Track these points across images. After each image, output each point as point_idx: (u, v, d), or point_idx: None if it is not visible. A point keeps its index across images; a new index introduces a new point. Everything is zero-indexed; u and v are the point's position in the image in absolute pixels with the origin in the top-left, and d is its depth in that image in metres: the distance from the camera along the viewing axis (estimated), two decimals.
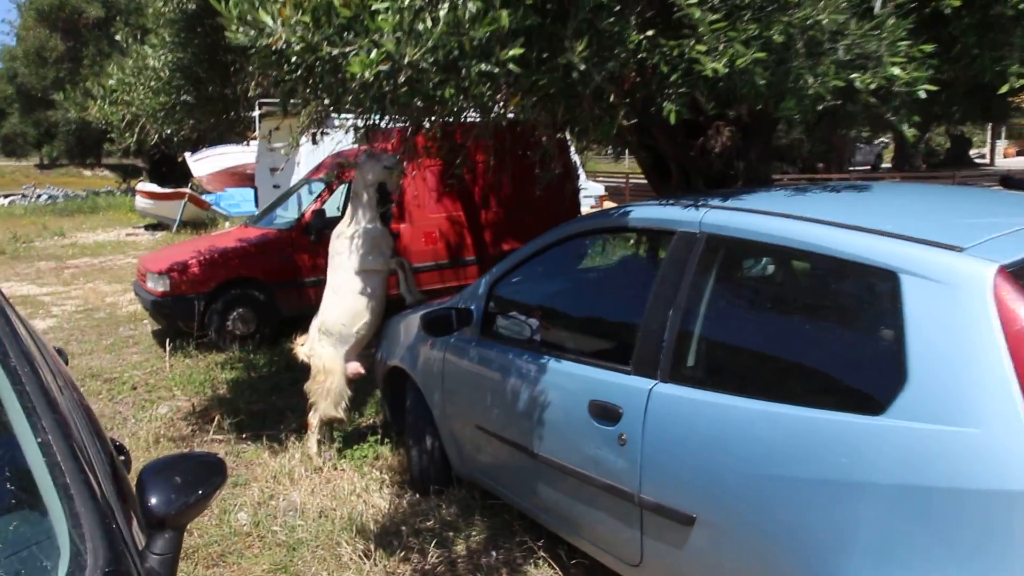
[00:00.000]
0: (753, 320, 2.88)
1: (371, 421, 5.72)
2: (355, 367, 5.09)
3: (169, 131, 6.58)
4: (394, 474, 4.78)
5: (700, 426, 2.71)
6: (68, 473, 1.73)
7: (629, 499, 2.95)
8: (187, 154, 23.67)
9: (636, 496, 2.91)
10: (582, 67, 2.70)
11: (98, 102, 6.66)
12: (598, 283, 3.40)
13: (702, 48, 2.82)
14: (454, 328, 3.88)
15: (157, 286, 7.75)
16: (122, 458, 2.84)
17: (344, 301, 4.97)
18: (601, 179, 18.57)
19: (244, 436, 5.54)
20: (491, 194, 9.19)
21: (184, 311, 7.65)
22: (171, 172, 30.02)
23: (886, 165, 35.90)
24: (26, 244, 17.31)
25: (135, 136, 6.57)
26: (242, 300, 7.92)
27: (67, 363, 3.91)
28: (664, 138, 5.50)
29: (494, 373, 3.75)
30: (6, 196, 30.54)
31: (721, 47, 2.85)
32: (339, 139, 9.80)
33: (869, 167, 35.08)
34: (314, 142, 11.08)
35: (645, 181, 17.07)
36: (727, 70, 2.80)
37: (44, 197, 29.45)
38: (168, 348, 7.39)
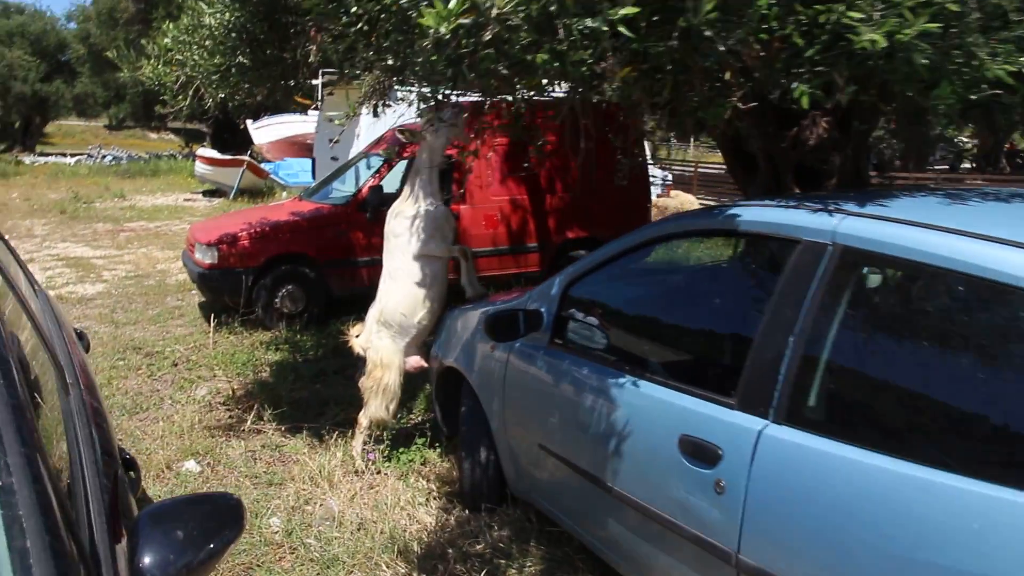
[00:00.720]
0: (903, 356, 2.34)
1: (419, 419, 5.29)
2: (416, 360, 4.66)
3: (223, 95, 6.20)
4: (442, 485, 4.34)
5: (825, 484, 2.19)
6: (30, 534, 1.30)
7: (724, 558, 2.45)
8: (248, 121, 23.63)
9: (733, 556, 2.40)
10: (707, 33, 2.18)
11: (151, 62, 6.30)
12: (695, 294, 2.89)
13: (856, 15, 2.28)
14: (521, 332, 3.40)
15: (205, 258, 7.42)
16: (131, 473, 2.44)
17: (403, 288, 4.52)
18: (666, 166, 17.86)
19: (284, 428, 5.16)
20: (557, 178, 8.69)
21: (231, 286, 7.32)
22: (232, 139, 30.12)
23: (965, 166, 34.28)
24: (86, 204, 17.34)
25: (188, 99, 6.21)
26: (292, 277, 7.55)
27: (87, 348, 3.54)
28: (754, 126, 5.04)
29: (564, 388, 3.27)
30: (73, 156, 31.00)
31: (878, 15, 2.30)
32: (401, 112, 9.42)
33: (947, 167, 33.53)
34: (375, 114, 10.65)
35: (714, 170, 16.37)
36: (886, 43, 2.25)
37: (109, 158, 29.78)
38: (213, 324, 7.07)
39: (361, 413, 4.62)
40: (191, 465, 4.61)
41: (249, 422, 5.17)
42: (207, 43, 5.65)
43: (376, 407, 4.55)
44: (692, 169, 18.20)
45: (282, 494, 4.28)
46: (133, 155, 30.91)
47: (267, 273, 7.45)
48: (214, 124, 33.90)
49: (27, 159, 29.33)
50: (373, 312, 4.63)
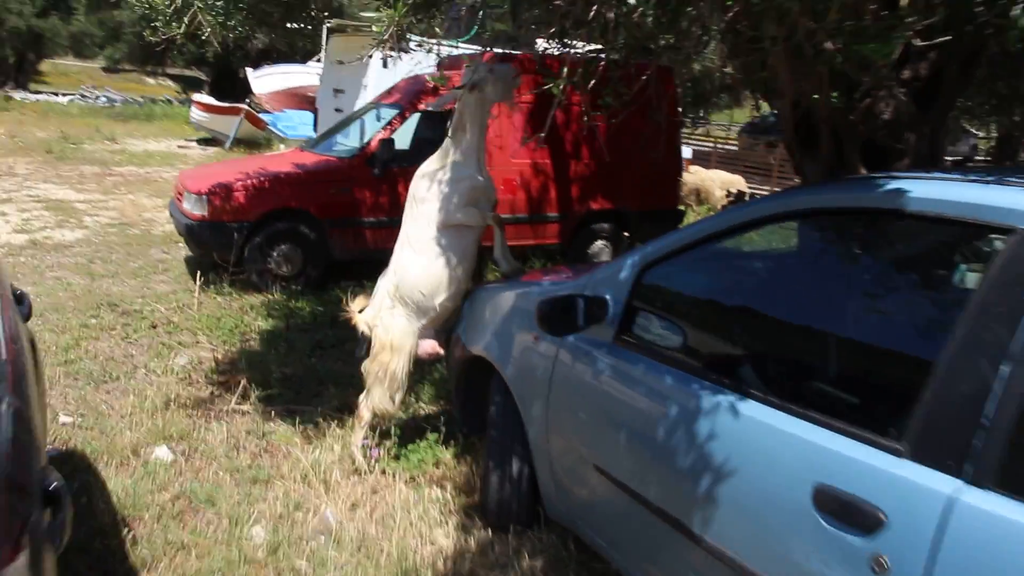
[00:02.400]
0: None
1: (430, 409, 4.58)
2: (431, 345, 3.92)
3: (222, 26, 5.41)
4: (459, 494, 3.65)
5: None
6: None
7: None
8: (248, 70, 22.70)
9: None
10: None
11: None
12: (829, 291, 2.17)
13: None
14: (580, 324, 2.69)
15: (194, 209, 6.65)
16: (51, 512, 1.72)
17: (426, 261, 3.78)
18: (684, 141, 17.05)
19: (273, 410, 4.45)
20: (583, 144, 7.92)
21: (221, 241, 6.56)
22: (232, 88, 29.08)
23: (979, 157, 33.57)
24: (75, 145, 16.43)
25: (183, 27, 5.41)
26: (288, 235, 6.79)
27: (28, 315, 2.80)
28: (822, 93, 4.45)
29: (635, 398, 2.57)
30: (66, 95, 29.91)
31: None
32: (418, 60, 8.60)
33: (962, 158, 32.84)
34: (384, 65, 9.72)
35: (736, 146, 15.62)
36: None
37: (103, 99, 28.71)
38: (199, 282, 6.33)
39: (361, 402, 3.91)
40: (162, 452, 3.90)
41: (233, 402, 4.46)
42: None
43: (380, 396, 3.83)
44: (711, 146, 17.42)
45: (268, 495, 3.59)
46: (128, 98, 29.82)
47: (262, 229, 6.69)
48: (214, 71, 32.84)
49: (17, 95, 28.21)
50: (385, 284, 3.89)
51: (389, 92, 7.99)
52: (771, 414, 2.10)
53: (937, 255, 2.10)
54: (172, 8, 5.41)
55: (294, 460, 3.87)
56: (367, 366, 3.86)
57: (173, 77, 42.83)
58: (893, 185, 2.04)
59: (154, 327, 5.77)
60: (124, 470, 3.75)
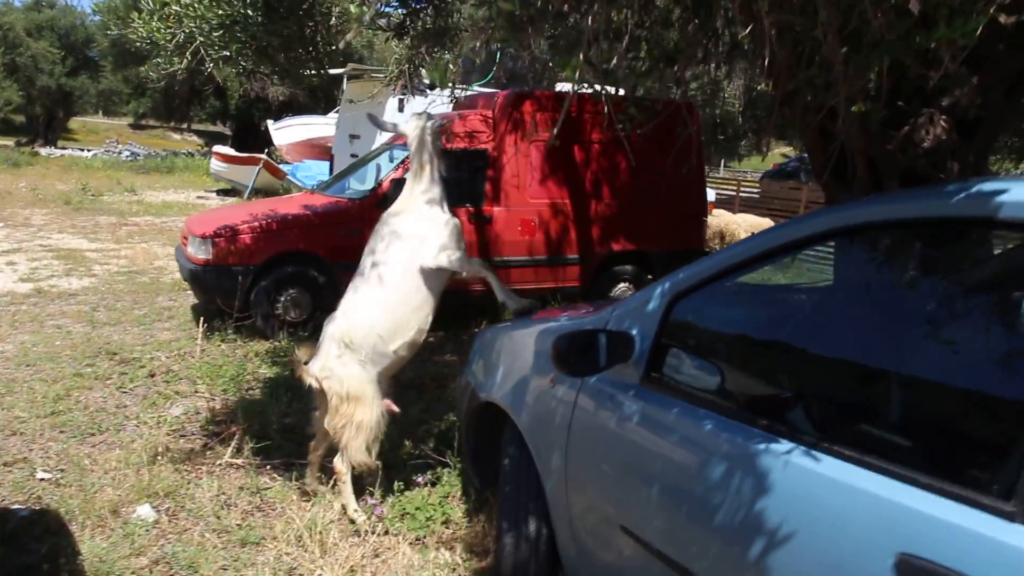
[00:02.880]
0: None
1: (439, 461, 4.21)
2: (385, 403, 3.63)
3: (226, 58, 5.20)
4: (471, 558, 3.26)
5: None
6: None
7: None
8: (269, 122, 22.85)
9: None
10: None
11: (143, 16, 5.30)
12: (910, 321, 1.80)
13: None
14: (602, 363, 2.33)
15: (198, 253, 6.40)
16: None
17: (387, 303, 3.52)
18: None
19: (270, 464, 4.10)
20: (604, 182, 7.63)
21: (226, 286, 6.28)
22: (254, 140, 29.33)
23: None
24: (93, 197, 16.43)
25: (185, 63, 5.21)
26: (297, 279, 6.51)
27: None
28: (853, 123, 4.19)
29: (668, 448, 2.19)
30: (90, 150, 30.32)
31: None
32: (430, 101, 8.42)
33: None
34: (400, 108, 9.52)
35: (757, 192, 15.33)
36: None
37: (126, 153, 29.02)
38: (202, 329, 6.03)
39: (337, 459, 3.57)
40: (144, 511, 3.55)
41: (228, 455, 4.11)
42: None
43: (355, 449, 3.51)
44: (734, 191, 17.11)
45: (258, 559, 3.22)
46: (152, 152, 30.17)
47: (269, 273, 6.41)
48: (236, 125, 33.21)
49: (44, 151, 28.62)
50: (332, 330, 3.58)
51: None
52: (839, 467, 1.73)
53: None
54: (174, 43, 5.22)
55: (289, 520, 3.50)
56: (329, 423, 3.53)
57: (198, 132, 43.52)
58: (986, 187, 1.69)
59: (152, 376, 5.46)
60: (101, 532, 3.40)
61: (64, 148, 32.15)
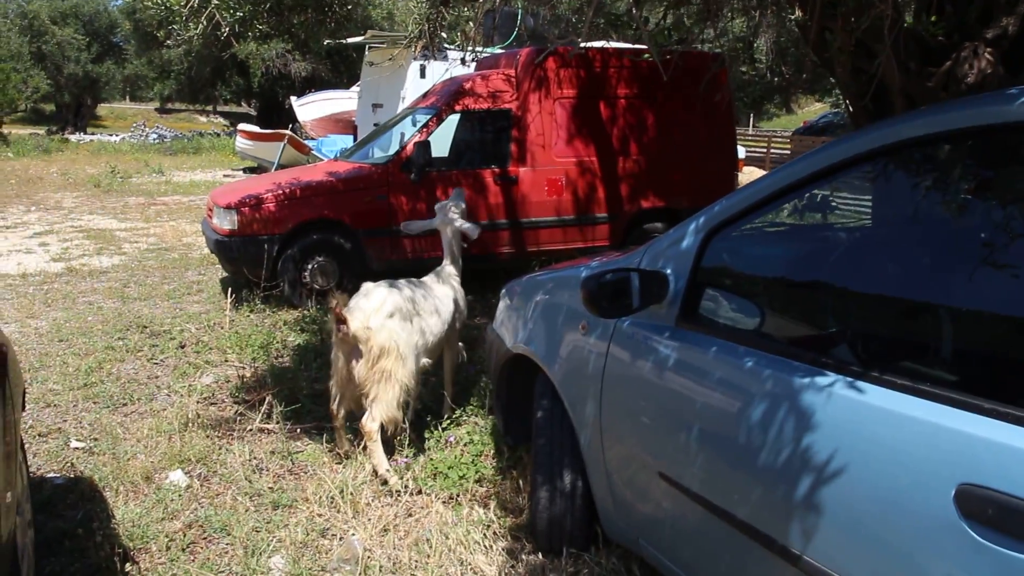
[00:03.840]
0: None
1: (473, 421, 4.14)
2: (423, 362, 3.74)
3: (241, 15, 5.11)
4: (505, 514, 3.19)
5: None
6: None
7: None
8: (293, 98, 22.77)
9: None
10: None
11: None
12: (970, 240, 1.66)
13: None
14: (635, 304, 2.23)
15: (223, 223, 6.36)
16: None
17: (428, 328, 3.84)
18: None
19: (300, 428, 4.07)
20: (632, 139, 7.45)
21: (252, 256, 6.24)
22: (279, 118, 29.30)
23: None
24: (123, 179, 16.53)
25: (201, 27, 5.13)
26: (323, 247, 6.45)
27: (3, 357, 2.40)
28: (891, 58, 4.03)
29: (708, 391, 2.09)
30: (118, 135, 30.55)
31: None
32: (452, 64, 8.25)
33: None
34: (422, 75, 9.36)
35: (788, 150, 14.93)
36: None
37: (153, 136, 29.19)
38: (230, 300, 6.01)
39: (366, 418, 3.51)
40: (177, 476, 3.53)
41: (258, 420, 4.08)
42: None
43: (387, 404, 3.47)
44: (765, 148, 16.75)
45: (291, 520, 3.18)
46: (178, 134, 30.32)
47: (295, 242, 6.36)
48: (260, 103, 33.19)
49: (73, 138, 28.86)
50: (396, 298, 3.61)
51: (425, 96, 7.64)
52: (890, 397, 1.62)
53: None
54: (188, 7, 5.15)
55: (320, 481, 3.46)
56: (363, 373, 3.47)
57: (223, 114, 43.65)
58: None
59: (182, 347, 5.46)
60: (134, 497, 3.38)
61: (93, 134, 32.42)
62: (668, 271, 2.29)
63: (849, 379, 1.71)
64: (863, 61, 4.92)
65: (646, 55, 5.72)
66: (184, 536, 3.07)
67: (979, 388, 1.50)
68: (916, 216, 1.81)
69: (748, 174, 13.16)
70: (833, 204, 2.23)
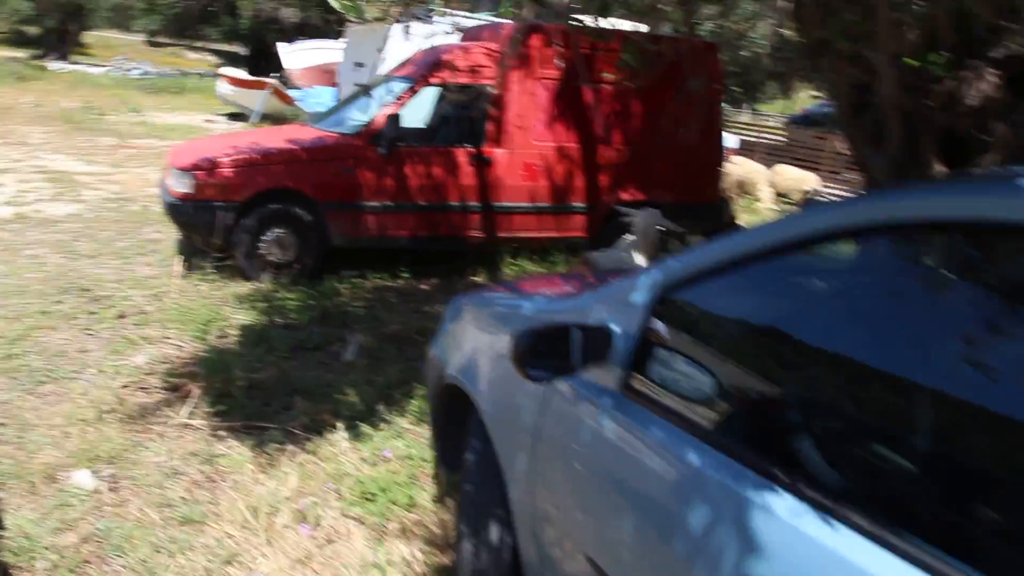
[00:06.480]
0: None
1: (415, 431, 3.89)
2: None
3: None
4: (431, 551, 2.94)
5: None
6: None
7: None
8: (280, 45, 22.12)
9: None
10: None
11: None
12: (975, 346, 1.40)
13: None
14: (575, 365, 1.96)
15: (178, 186, 6.01)
16: None
17: None
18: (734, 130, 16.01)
19: (230, 426, 3.79)
20: (616, 127, 7.14)
21: (206, 223, 5.91)
22: (268, 64, 28.55)
23: None
24: (97, 116, 16.01)
25: None
26: (282, 218, 6.12)
27: None
28: (890, 74, 3.80)
29: (645, 481, 1.82)
30: (102, 66, 29.67)
31: None
32: (433, 32, 7.85)
33: None
34: (406, 36, 8.91)
35: (783, 137, 14.64)
36: None
37: (136, 71, 28.37)
38: (180, 267, 5.69)
39: None
40: (83, 478, 3.26)
41: (185, 414, 3.80)
42: None
43: None
44: (756, 136, 16.41)
45: (197, 542, 2.92)
46: (163, 71, 29.49)
47: (252, 211, 6.03)
48: (251, 46, 32.36)
49: (53, 66, 27.97)
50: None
51: (403, 64, 7.27)
52: (862, 548, 1.33)
53: None
54: None
55: (240, 493, 3.20)
56: None
57: (214, 52, 42.55)
58: None
59: (122, 316, 5.15)
60: (32, 500, 3.11)
61: (76, 63, 31.48)
62: (614, 327, 2.02)
63: (811, 507, 1.43)
64: (861, 74, 4.63)
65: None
66: (77, 553, 2.81)
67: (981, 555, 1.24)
68: (916, 308, 1.54)
69: (738, 164, 12.82)
70: (828, 270, 1.93)
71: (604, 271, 4.05)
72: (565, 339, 1.95)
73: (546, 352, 1.95)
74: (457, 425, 3.01)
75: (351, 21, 12.52)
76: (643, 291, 1.99)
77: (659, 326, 1.93)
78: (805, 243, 1.70)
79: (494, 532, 2.53)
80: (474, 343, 2.75)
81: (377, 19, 9.02)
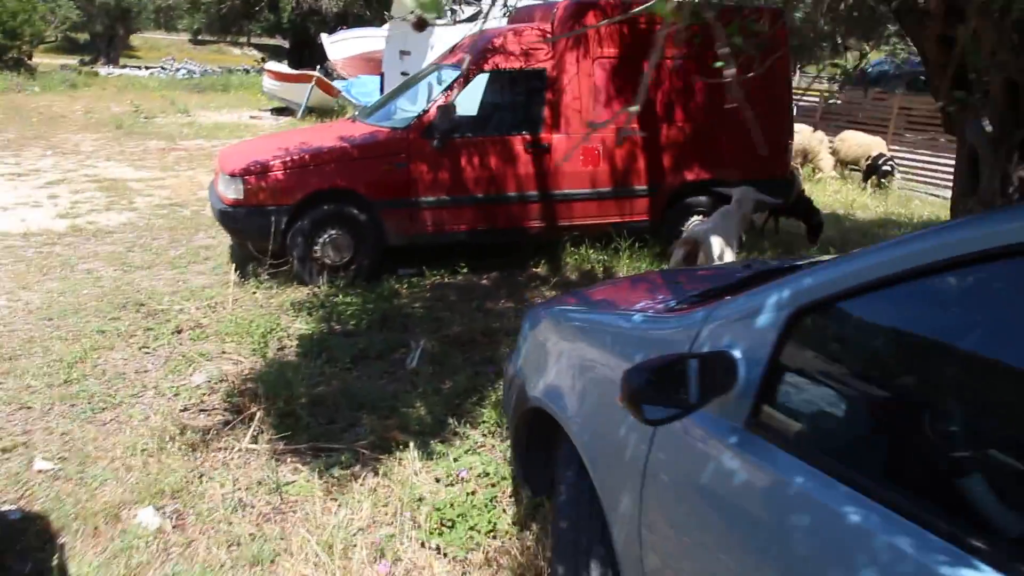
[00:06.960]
0: None
1: (490, 444, 3.65)
2: None
3: None
4: None
5: None
6: None
7: None
8: (324, 36, 22.03)
9: None
10: None
11: None
12: None
13: None
14: (693, 399, 1.68)
15: (228, 192, 5.84)
16: None
17: None
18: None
19: (296, 449, 3.59)
20: (677, 104, 6.77)
21: (259, 228, 5.72)
22: (311, 55, 28.56)
23: None
24: (147, 119, 16.07)
25: None
26: (336, 219, 5.92)
27: None
28: (990, 29, 3.47)
29: (783, 528, 1.54)
30: (148, 68, 30.01)
31: None
32: (479, 18, 7.54)
33: None
34: (452, 18, 8.56)
35: (839, 100, 13.83)
36: None
37: (182, 72, 28.63)
38: (234, 276, 5.53)
39: None
40: (147, 516, 3.08)
41: (247, 439, 3.61)
42: None
43: None
44: (818, 100, 15.74)
45: None
46: (209, 69, 29.71)
47: (305, 213, 5.83)
48: (292, 39, 32.41)
49: (104, 71, 28.36)
50: None
51: (452, 51, 6.99)
52: None
53: None
54: None
55: (311, 525, 3.00)
56: None
57: (257, 46, 42.77)
58: None
59: (179, 332, 4.99)
60: (95, 544, 2.94)
61: (124, 66, 31.90)
62: (737, 353, 1.72)
63: (992, 569, 1.14)
64: (951, 28, 4.21)
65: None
66: None
67: None
68: None
69: (798, 132, 12.25)
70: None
71: (710, 253, 4.01)
72: (682, 375, 1.67)
73: (660, 393, 1.67)
74: (541, 447, 2.76)
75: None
76: (771, 311, 1.69)
77: (796, 351, 1.64)
78: (974, 261, 1.37)
79: (593, 573, 2.26)
80: (560, 363, 2.48)
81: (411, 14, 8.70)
